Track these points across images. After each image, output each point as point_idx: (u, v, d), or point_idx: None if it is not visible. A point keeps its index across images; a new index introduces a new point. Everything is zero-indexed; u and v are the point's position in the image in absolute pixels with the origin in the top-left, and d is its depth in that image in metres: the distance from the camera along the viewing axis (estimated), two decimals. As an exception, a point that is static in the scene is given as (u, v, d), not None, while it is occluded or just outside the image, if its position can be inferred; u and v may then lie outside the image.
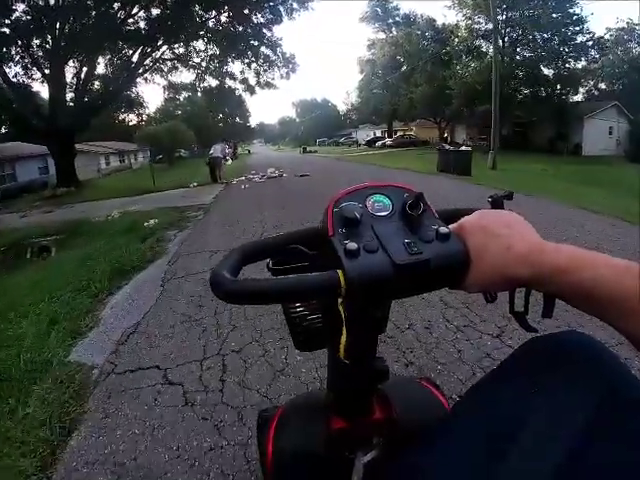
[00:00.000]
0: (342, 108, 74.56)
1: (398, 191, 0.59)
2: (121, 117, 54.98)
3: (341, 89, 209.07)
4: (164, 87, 26.49)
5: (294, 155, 38.84)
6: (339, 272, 0.48)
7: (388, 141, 41.83)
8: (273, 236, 0.61)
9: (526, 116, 29.00)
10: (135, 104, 54.96)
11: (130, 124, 52.66)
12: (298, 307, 0.70)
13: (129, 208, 9.80)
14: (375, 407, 0.74)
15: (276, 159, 31.45)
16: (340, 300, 0.55)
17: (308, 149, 46.47)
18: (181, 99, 52.84)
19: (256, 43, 23.55)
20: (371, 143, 47.24)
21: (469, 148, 14.12)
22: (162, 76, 25.19)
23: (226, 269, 0.51)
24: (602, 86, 40.09)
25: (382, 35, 38.58)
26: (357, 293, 0.48)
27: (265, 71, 24.41)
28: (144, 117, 56.49)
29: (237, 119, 59.98)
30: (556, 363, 0.52)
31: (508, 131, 30.69)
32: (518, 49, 27.74)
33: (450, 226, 0.55)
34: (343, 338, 0.58)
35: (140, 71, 23.41)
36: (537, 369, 0.53)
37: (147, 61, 23.49)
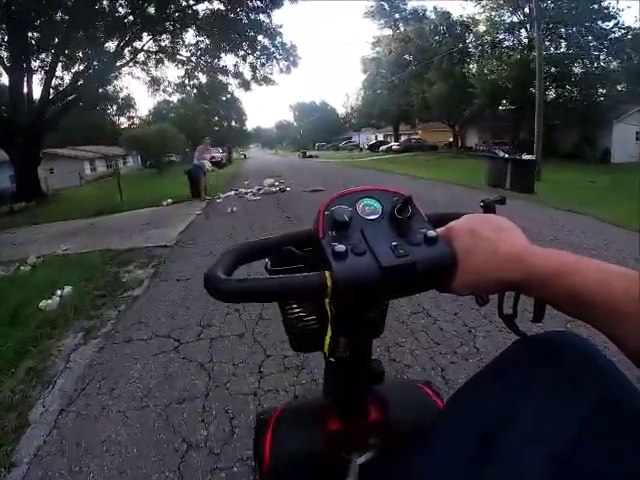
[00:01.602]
0: (341, 111, 71.13)
1: (388, 195, 0.59)
2: (112, 120, 51.88)
3: (340, 92, 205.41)
4: (147, 83, 22.58)
5: (293, 160, 34.99)
6: (326, 273, 0.48)
7: (395, 145, 38.18)
8: (267, 237, 0.61)
9: (551, 119, 25.61)
10: (124, 106, 52.04)
11: (122, 127, 49.54)
12: (294, 308, 0.69)
13: (60, 248, 6.18)
14: (371, 409, 0.73)
15: (274, 165, 27.67)
16: (327, 301, 0.54)
17: (308, 154, 42.78)
18: (174, 101, 49.52)
19: (252, 33, 20.01)
20: (374, 147, 43.80)
21: (533, 157, 10.51)
22: (144, 69, 21.46)
23: (220, 269, 0.51)
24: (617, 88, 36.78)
25: (388, 32, 35.05)
26: (344, 294, 0.49)
27: (262, 65, 20.77)
28: (135, 120, 53.35)
29: (233, 122, 56.33)
30: (547, 364, 0.49)
31: (528, 135, 27.24)
32: (546, 43, 24.18)
33: (439, 229, 0.55)
34: (328, 337, 0.57)
35: (118, 64, 19.87)
36: (528, 370, 0.50)
37: (126, 52, 20.04)
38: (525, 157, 10.59)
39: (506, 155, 11.00)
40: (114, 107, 52.52)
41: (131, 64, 21.47)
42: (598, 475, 0.38)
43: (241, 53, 20.89)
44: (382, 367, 0.69)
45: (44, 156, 35.63)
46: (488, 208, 0.62)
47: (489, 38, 24.59)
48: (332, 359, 0.61)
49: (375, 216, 0.57)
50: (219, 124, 53.95)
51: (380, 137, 51.95)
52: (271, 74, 20.88)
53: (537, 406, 0.46)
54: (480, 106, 25.40)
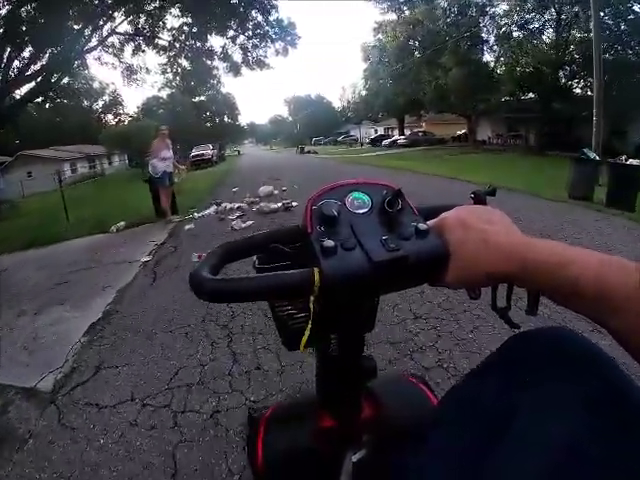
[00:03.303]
0: (338, 105, 67.34)
1: (377, 188, 0.57)
2: (99, 117, 48.13)
3: (336, 85, 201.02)
4: (122, 72, 18.96)
5: (291, 157, 31.22)
6: (315, 270, 0.46)
7: (400, 139, 34.56)
8: (254, 235, 0.58)
9: (575, 111, 22.22)
10: (111, 102, 48.20)
11: (109, 125, 45.92)
12: (285, 306, 0.65)
13: None
14: (364, 405, 0.72)
15: (270, 163, 23.95)
16: (312, 298, 0.50)
17: (306, 149, 39.06)
18: (164, 96, 45.78)
19: (242, 9, 16.46)
20: (376, 142, 40.30)
21: None
22: (116, 55, 17.85)
23: (206, 268, 0.48)
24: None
25: (392, 16, 31.22)
26: (334, 290, 0.46)
27: (255, 47, 17.18)
28: (123, 117, 49.54)
29: (225, 118, 52.39)
30: (541, 360, 0.48)
31: (554, 128, 23.84)
32: (573, 31, 20.59)
33: (430, 222, 0.53)
34: (307, 332, 0.54)
35: (85, 47, 16.34)
36: (522, 366, 0.49)
37: (95, 35, 16.53)
38: (632, 162, 7.10)
39: (596, 157, 7.54)
40: (100, 103, 49.09)
41: (100, 48, 17.94)
42: (597, 470, 0.37)
43: (230, 33, 17.35)
44: (374, 363, 0.67)
45: (19, 158, 32.26)
46: (479, 199, 0.59)
47: (516, 18, 20.97)
48: (301, 350, 0.56)
49: (364, 210, 0.54)
50: (211, 120, 50.11)
51: (380, 131, 48.50)
52: (265, 57, 17.29)
53: (534, 403, 0.44)
54: (506, 94, 21.88)
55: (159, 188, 6.67)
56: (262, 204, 6.66)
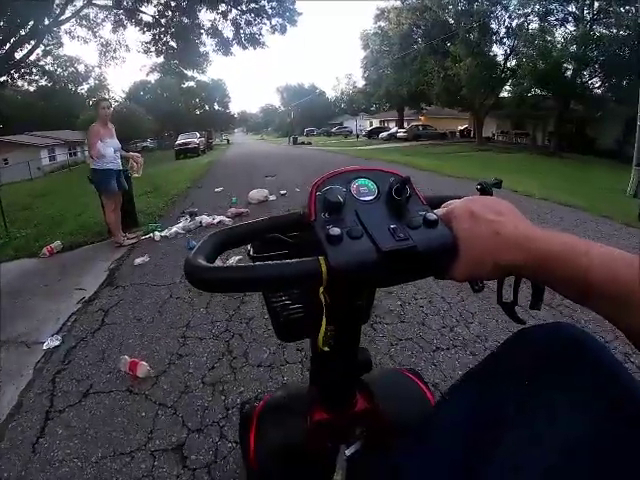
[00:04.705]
0: (331, 95, 64.73)
1: (384, 175, 0.54)
2: (85, 102, 45.32)
3: (330, 75, 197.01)
4: (100, 50, 16.64)
5: (284, 148, 28.81)
6: (321, 259, 0.43)
7: (400, 132, 32.47)
8: (252, 221, 0.54)
9: (589, 111, 20.45)
10: (96, 86, 45.31)
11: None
12: (280, 296, 0.63)
13: None
14: (358, 399, 0.69)
15: (262, 154, 21.62)
16: (322, 289, 0.49)
17: (299, 140, 36.79)
18: (152, 81, 43.05)
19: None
20: (372, 134, 38.22)
21: None
22: (90, 29, 15.51)
23: (202, 256, 0.45)
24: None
25: (396, 2, 28.91)
26: (340, 281, 0.44)
27: (249, 23, 14.93)
28: (110, 101, 46.65)
29: (216, 105, 49.56)
30: (544, 357, 0.47)
31: (566, 128, 22.05)
32: (594, 26, 18.60)
33: (437, 211, 0.51)
34: (323, 327, 0.52)
35: (60, 19, 14.09)
36: (524, 364, 0.48)
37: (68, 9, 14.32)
38: None
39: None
40: (85, 87, 46.18)
41: (75, 22, 15.66)
42: (601, 472, 0.37)
43: (221, 8, 15.10)
44: (369, 355, 0.66)
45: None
46: (485, 190, 0.57)
47: (537, 7, 18.93)
48: (327, 348, 0.54)
49: (370, 197, 0.51)
50: (200, 107, 47.34)
51: (376, 123, 46.37)
52: (260, 35, 15.06)
53: (534, 403, 0.43)
54: (523, 90, 19.92)
55: (102, 196, 4.58)
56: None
